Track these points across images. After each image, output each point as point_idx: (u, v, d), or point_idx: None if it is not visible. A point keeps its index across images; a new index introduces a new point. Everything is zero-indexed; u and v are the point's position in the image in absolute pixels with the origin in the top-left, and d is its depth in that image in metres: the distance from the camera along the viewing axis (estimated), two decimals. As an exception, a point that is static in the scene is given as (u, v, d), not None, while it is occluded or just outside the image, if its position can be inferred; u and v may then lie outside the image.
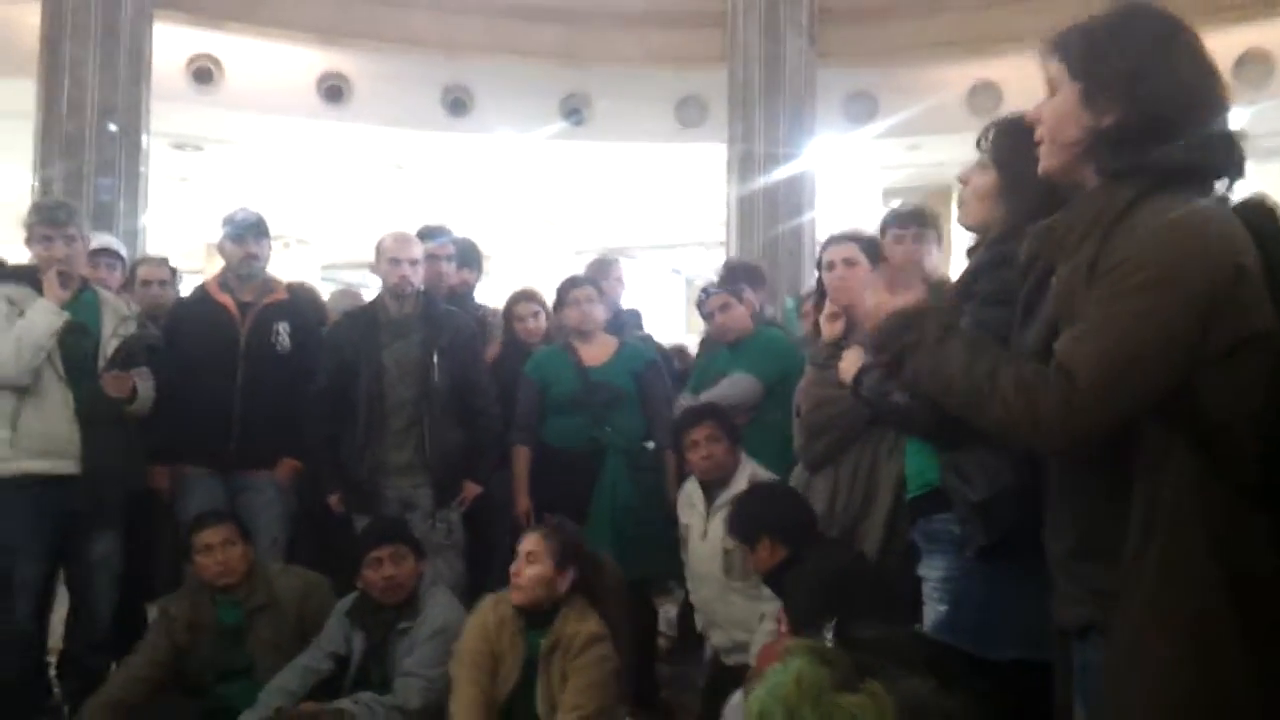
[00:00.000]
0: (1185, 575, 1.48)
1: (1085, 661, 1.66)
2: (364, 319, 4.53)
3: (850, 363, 2.70)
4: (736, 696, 3.63)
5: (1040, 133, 1.74)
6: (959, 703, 1.48)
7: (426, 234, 4.88)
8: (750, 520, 3.46)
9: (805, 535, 3.31)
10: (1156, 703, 1.49)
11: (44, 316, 3.99)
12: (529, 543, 3.57)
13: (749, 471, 3.97)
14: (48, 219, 4.22)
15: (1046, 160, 1.74)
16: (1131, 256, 1.53)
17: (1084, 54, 1.67)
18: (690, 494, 4.12)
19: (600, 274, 5.42)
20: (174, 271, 5.27)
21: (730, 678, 3.75)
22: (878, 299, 1.78)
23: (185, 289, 5.39)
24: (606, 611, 3.59)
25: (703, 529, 4.00)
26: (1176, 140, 1.59)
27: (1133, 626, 1.51)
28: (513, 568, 3.56)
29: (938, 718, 1.42)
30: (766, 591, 3.73)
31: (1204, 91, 1.64)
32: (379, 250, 4.50)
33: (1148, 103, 1.62)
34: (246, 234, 4.49)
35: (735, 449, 4.02)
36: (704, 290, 4.65)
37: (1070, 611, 1.68)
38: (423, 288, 4.52)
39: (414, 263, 4.45)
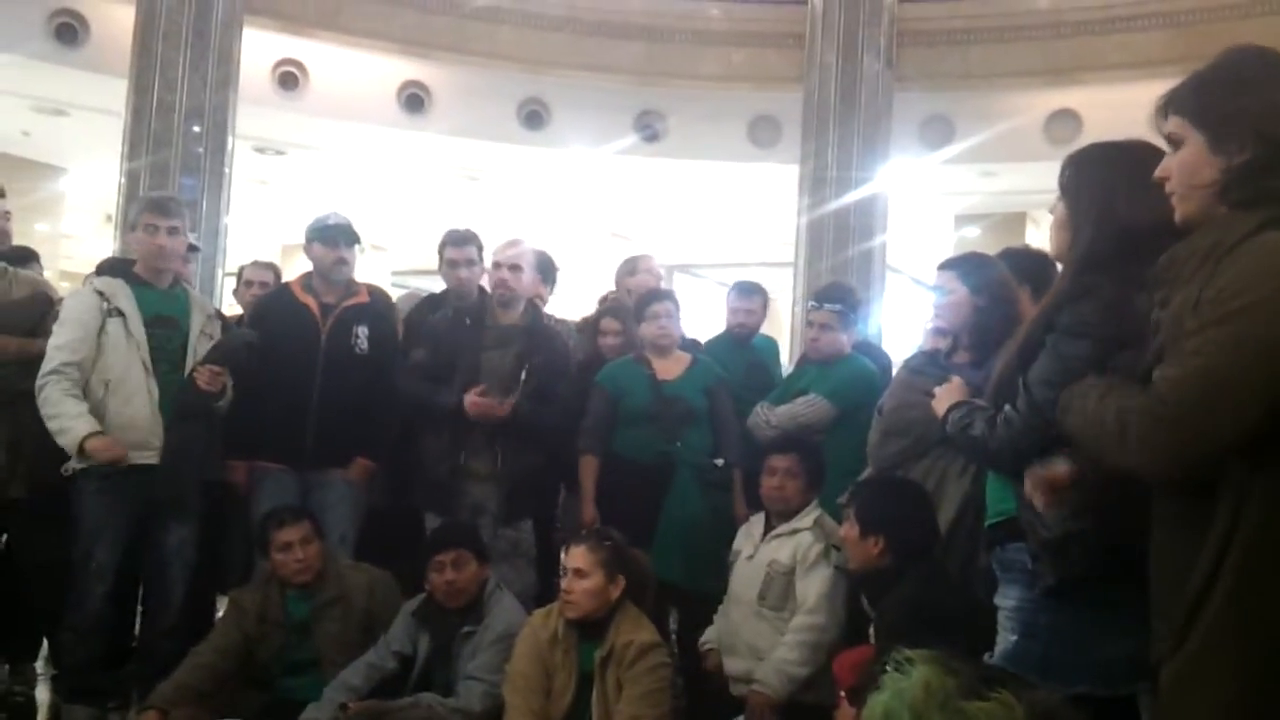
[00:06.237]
0: (1255, 612, 1.46)
1: None
2: (469, 319, 4.57)
3: (946, 396, 2.70)
4: None
5: (1170, 185, 1.80)
6: (1083, 716, 1.47)
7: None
8: (876, 513, 3.25)
9: (918, 554, 3.19)
10: None
11: (76, 425, 4.00)
12: (576, 558, 3.55)
13: (815, 516, 3.92)
14: (156, 209, 4.32)
15: (1182, 208, 1.79)
16: (1229, 284, 1.56)
17: (1204, 103, 1.74)
18: (752, 522, 4.13)
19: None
20: (277, 276, 5.46)
21: (729, 707, 3.75)
22: None
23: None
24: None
25: (752, 552, 3.98)
26: None
27: (1194, 661, 1.49)
28: (563, 584, 3.55)
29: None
30: (793, 621, 3.73)
31: None
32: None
33: (1277, 134, 1.68)
34: (339, 238, 4.58)
35: (811, 491, 3.97)
36: (814, 301, 4.59)
37: (1156, 646, 1.66)
38: (518, 294, 4.55)
39: (514, 268, 4.49)
